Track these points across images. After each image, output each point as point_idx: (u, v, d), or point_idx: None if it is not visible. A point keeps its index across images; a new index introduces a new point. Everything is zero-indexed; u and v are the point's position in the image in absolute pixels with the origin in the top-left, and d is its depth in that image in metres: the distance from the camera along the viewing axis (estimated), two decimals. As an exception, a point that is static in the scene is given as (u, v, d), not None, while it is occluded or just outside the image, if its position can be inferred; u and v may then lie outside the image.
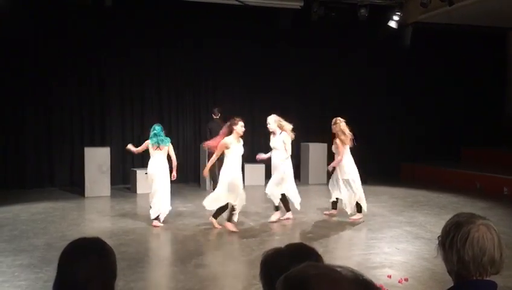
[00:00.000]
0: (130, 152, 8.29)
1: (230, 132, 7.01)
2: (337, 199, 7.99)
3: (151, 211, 7.48)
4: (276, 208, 7.84)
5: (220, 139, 7.05)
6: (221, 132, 7.15)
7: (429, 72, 13.55)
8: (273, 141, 7.68)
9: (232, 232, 7.02)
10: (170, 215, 7.96)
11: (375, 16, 11.14)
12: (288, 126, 7.62)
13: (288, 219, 7.88)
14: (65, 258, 1.67)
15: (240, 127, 6.99)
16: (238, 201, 7.10)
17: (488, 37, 13.52)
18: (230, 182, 6.99)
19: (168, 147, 7.57)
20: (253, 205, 9.39)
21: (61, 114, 11.32)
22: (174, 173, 7.62)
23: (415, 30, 12.32)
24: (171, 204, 7.82)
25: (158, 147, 7.47)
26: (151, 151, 7.53)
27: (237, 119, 7.09)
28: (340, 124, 7.77)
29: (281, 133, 7.56)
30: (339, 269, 0.97)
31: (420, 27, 12.22)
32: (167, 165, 7.57)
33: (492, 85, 14.13)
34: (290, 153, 7.57)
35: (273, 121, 7.60)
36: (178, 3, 11.02)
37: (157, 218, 7.49)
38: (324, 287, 0.93)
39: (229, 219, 7.15)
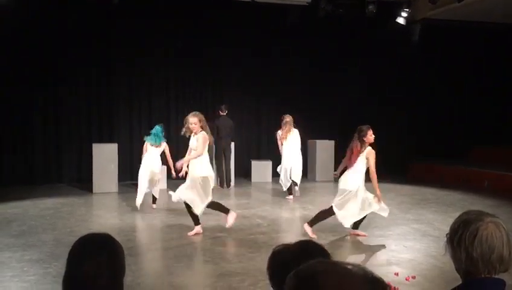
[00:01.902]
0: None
1: (362, 145, 6.29)
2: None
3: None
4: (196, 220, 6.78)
5: (355, 157, 6.31)
6: (355, 149, 6.31)
7: (438, 69, 13.48)
8: (194, 141, 6.62)
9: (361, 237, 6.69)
10: (177, 212, 7.99)
11: (383, 13, 11.08)
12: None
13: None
14: (74, 253, 1.68)
15: (370, 136, 6.30)
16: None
17: (498, 33, 13.40)
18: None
19: (165, 146, 8.60)
20: (260, 201, 9.41)
21: (69, 111, 11.40)
22: (173, 172, 8.05)
23: (423, 27, 12.24)
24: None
25: (156, 144, 8.51)
26: (148, 147, 8.55)
27: (364, 127, 6.30)
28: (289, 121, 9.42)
29: (201, 131, 6.54)
30: (349, 267, 0.97)
31: (429, 23, 12.14)
32: (160, 160, 8.63)
33: (501, 82, 14.01)
34: (199, 152, 6.49)
35: (197, 120, 6.51)
36: (185, 1, 11.05)
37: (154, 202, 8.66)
38: (334, 284, 0.93)
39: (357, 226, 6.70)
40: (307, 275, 0.97)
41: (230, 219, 6.81)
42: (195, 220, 6.71)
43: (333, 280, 0.94)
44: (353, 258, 5.66)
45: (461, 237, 1.63)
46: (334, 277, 0.94)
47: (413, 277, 4.99)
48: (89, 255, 1.65)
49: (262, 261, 4.62)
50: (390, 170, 12.54)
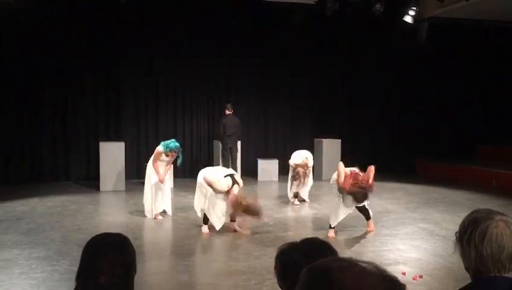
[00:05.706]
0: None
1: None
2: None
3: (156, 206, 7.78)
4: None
5: None
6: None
7: (445, 68, 13.40)
8: None
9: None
10: (183, 209, 8.02)
11: (390, 11, 11.03)
12: None
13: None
14: (90, 251, 1.74)
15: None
16: None
17: (505, 32, 13.30)
18: None
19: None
20: (266, 200, 9.40)
21: (77, 109, 11.45)
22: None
23: (431, 25, 12.18)
24: (184, 198, 7.87)
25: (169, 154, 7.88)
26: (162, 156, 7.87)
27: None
28: None
29: None
30: (363, 264, 0.95)
31: (436, 22, 12.08)
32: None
33: (508, 81, 13.91)
34: None
35: None
36: (191, 2, 11.08)
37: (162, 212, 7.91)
38: (348, 280, 0.92)
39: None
40: (321, 271, 0.96)
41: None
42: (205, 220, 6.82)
43: (349, 277, 0.92)
44: (359, 257, 5.60)
45: (471, 236, 1.62)
46: (349, 275, 0.93)
47: (421, 277, 4.97)
48: (103, 253, 1.71)
49: (268, 260, 4.62)
50: (397, 169, 12.51)
